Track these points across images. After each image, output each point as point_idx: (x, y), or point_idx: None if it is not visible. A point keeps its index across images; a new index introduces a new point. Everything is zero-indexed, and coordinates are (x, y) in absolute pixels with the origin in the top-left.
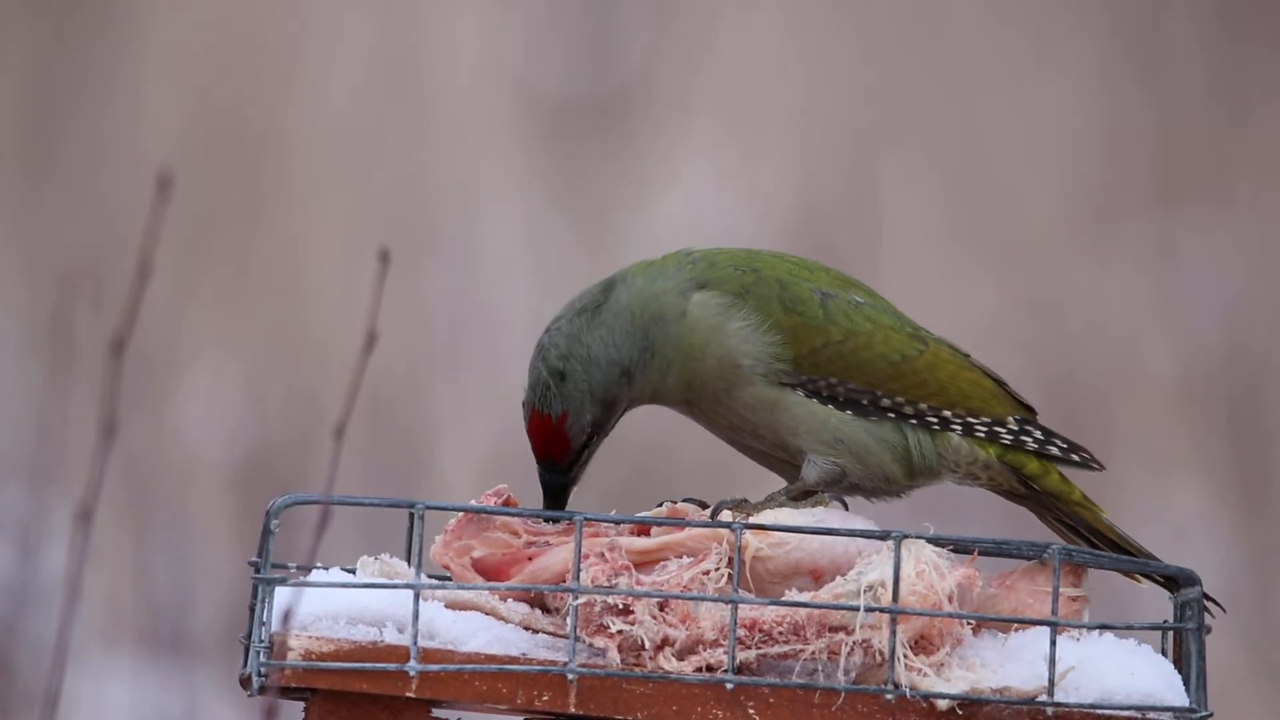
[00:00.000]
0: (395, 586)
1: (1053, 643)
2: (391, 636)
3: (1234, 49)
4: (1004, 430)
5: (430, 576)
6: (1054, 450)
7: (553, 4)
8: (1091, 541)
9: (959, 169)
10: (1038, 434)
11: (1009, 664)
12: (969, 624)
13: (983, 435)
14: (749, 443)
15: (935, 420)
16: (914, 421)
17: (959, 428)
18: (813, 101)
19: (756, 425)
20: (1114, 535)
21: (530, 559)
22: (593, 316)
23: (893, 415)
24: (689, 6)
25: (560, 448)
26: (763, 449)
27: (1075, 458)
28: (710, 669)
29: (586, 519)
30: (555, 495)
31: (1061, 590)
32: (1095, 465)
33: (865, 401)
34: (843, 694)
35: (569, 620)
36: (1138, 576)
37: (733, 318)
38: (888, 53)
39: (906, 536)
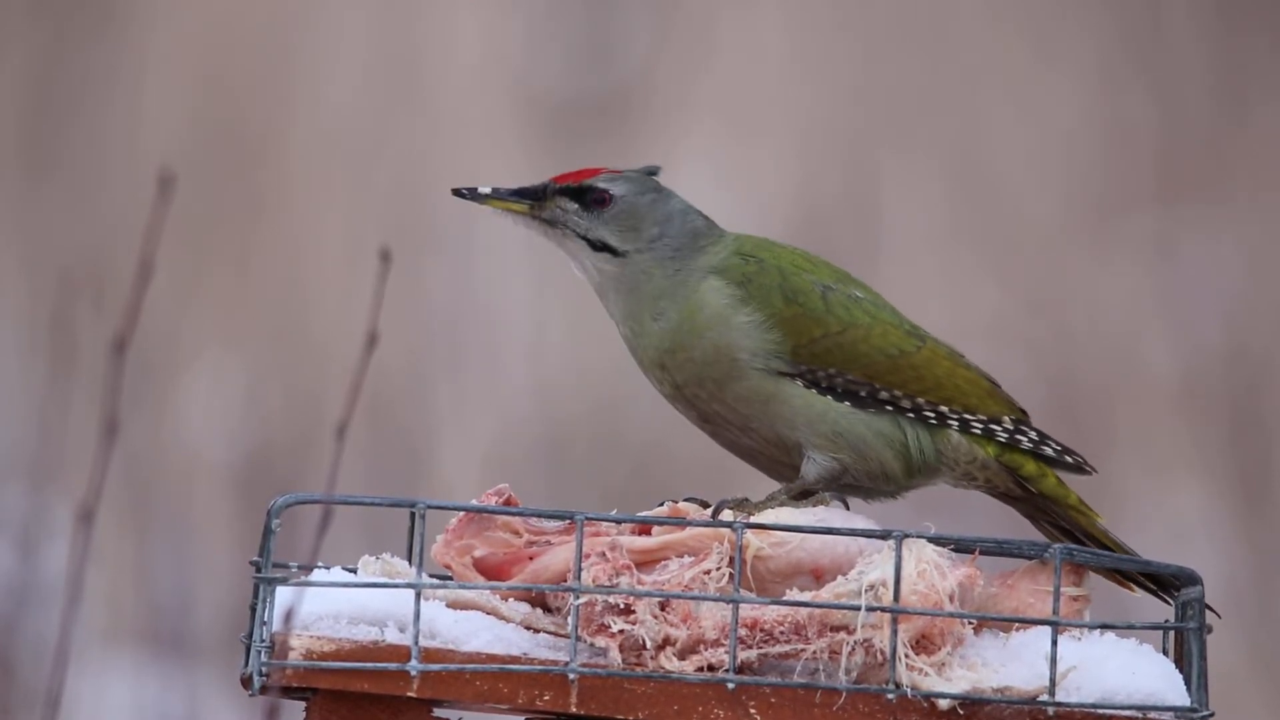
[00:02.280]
0: (397, 586)
1: (1054, 642)
2: (393, 636)
3: (1234, 49)
4: (1000, 429)
5: (431, 576)
6: (1048, 451)
7: (553, 4)
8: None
9: (959, 169)
10: (1032, 434)
11: (1010, 663)
12: (970, 623)
13: (979, 432)
14: (737, 437)
15: (933, 415)
16: (912, 415)
17: (956, 424)
18: (813, 101)
19: (749, 418)
20: (1109, 542)
21: (531, 558)
22: (664, 189)
23: (890, 408)
24: (689, 6)
25: (582, 175)
26: (752, 444)
27: (1068, 460)
28: (712, 668)
29: (588, 518)
30: (520, 192)
31: (1063, 590)
32: (1087, 469)
33: (863, 393)
34: (844, 693)
35: (570, 620)
36: (1132, 585)
37: (739, 311)
38: (888, 53)
39: (908, 536)
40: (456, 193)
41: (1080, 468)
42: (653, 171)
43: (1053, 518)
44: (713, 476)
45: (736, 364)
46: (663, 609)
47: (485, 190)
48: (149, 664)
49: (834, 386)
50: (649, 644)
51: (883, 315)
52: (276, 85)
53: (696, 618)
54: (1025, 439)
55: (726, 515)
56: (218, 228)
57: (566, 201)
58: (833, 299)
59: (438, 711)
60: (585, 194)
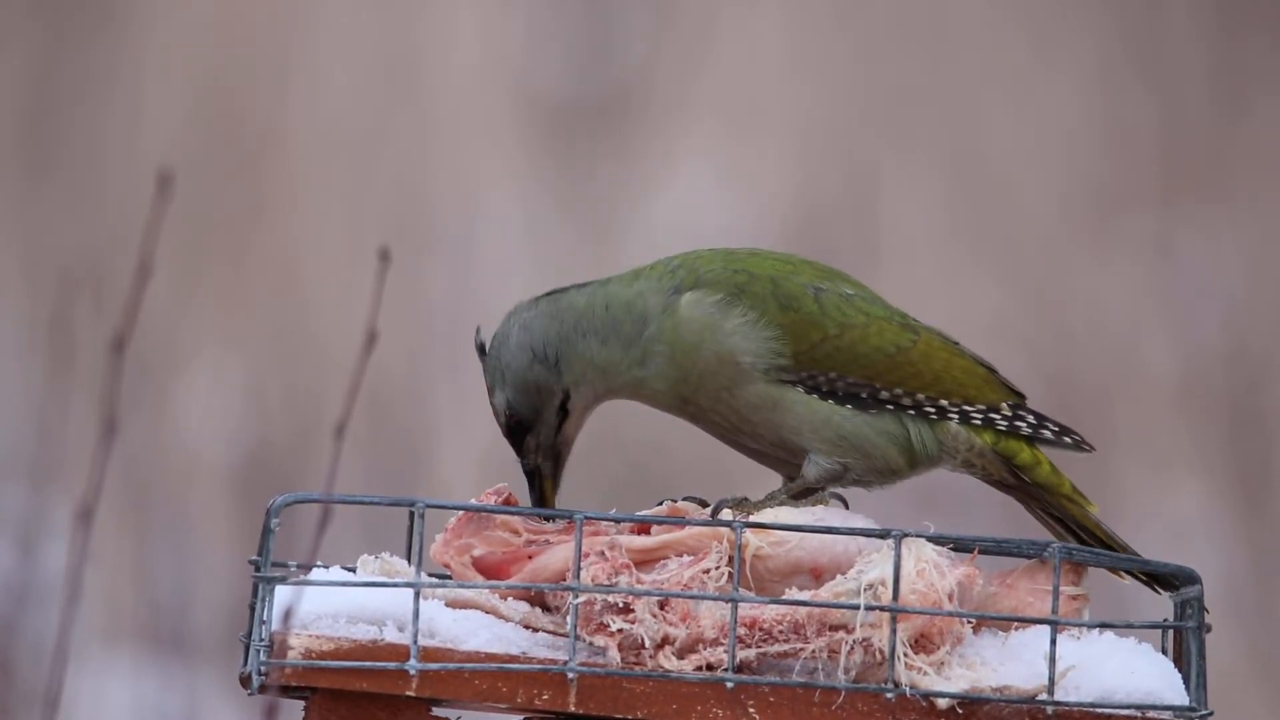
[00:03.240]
0: (395, 585)
1: (1053, 641)
2: (392, 635)
3: (1234, 48)
4: (998, 416)
5: (430, 575)
6: (1046, 434)
7: (553, 4)
8: (1079, 537)
9: (959, 169)
10: (1030, 419)
11: (1009, 663)
12: (969, 623)
13: (978, 422)
14: (747, 442)
15: (933, 410)
16: (913, 412)
17: (956, 415)
18: (813, 101)
19: (756, 425)
20: (1100, 533)
21: (530, 557)
22: (534, 302)
23: (892, 407)
24: (689, 6)
25: (500, 423)
26: (760, 448)
27: (1067, 440)
28: (710, 668)
29: (587, 517)
30: (529, 483)
31: (1062, 589)
32: (1086, 447)
33: (865, 395)
34: (843, 693)
35: (569, 619)
36: (1121, 573)
37: (729, 316)
38: (888, 52)
39: (907, 535)
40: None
41: (1079, 446)
42: (481, 346)
43: (1045, 505)
44: (712, 476)
45: (740, 368)
46: (662, 608)
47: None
48: (148, 663)
49: (835, 391)
50: (648, 643)
51: (876, 310)
52: (276, 85)
53: (695, 617)
54: (1024, 424)
55: (725, 514)
56: (217, 227)
57: (526, 448)
58: (826, 301)
59: (437, 710)
60: (515, 433)
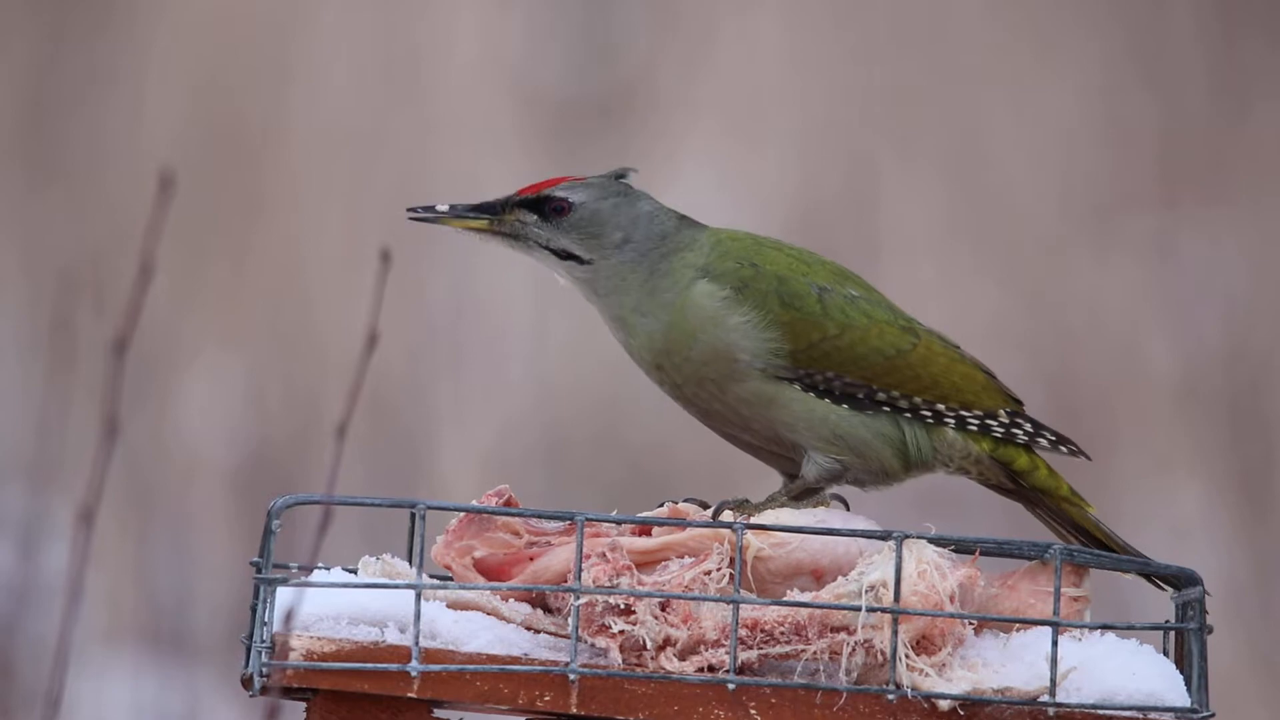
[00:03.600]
0: (397, 587)
1: (1054, 643)
2: (393, 637)
3: (1235, 49)
4: (995, 423)
5: (432, 577)
6: (1043, 442)
7: (553, 3)
8: (1079, 539)
9: (959, 169)
10: (1027, 426)
11: (1011, 664)
12: (971, 624)
13: (975, 429)
14: (737, 434)
15: (930, 414)
16: (909, 415)
17: (952, 421)
18: (813, 101)
19: (749, 419)
20: (1099, 534)
21: (532, 559)
22: (632, 191)
23: (888, 409)
24: (689, 6)
25: (538, 187)
26: (752, 441)
27: (1063, 449)
28: (712, 669)
29: (588, 519)
30: (478, 207)
31: (1063, 590)
32: (1083, 456)
33: (861, 395)
34: (844, 694)
35: (571, 620)
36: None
37: (733, 312)
38: (888, 52)
39: (908, 537)
40: (412, 213)
41: (1075, 454)
42: (622, 175)
43: (1045, 509)
44: (713, 477)
45: (737, 365)
46: (663, 609)
47: (443, 208)
48: (149, 664)
49: (832, 389)
50: (649, 644)
51: (878, 314)
52: (277, 85)
53: (697, 618)
54: (1021, 431)
55: (727, 516)
56: (217, 227)
57: (525, 213)
58: (829, 301)
59: (438, 712)
60: (543, 204)
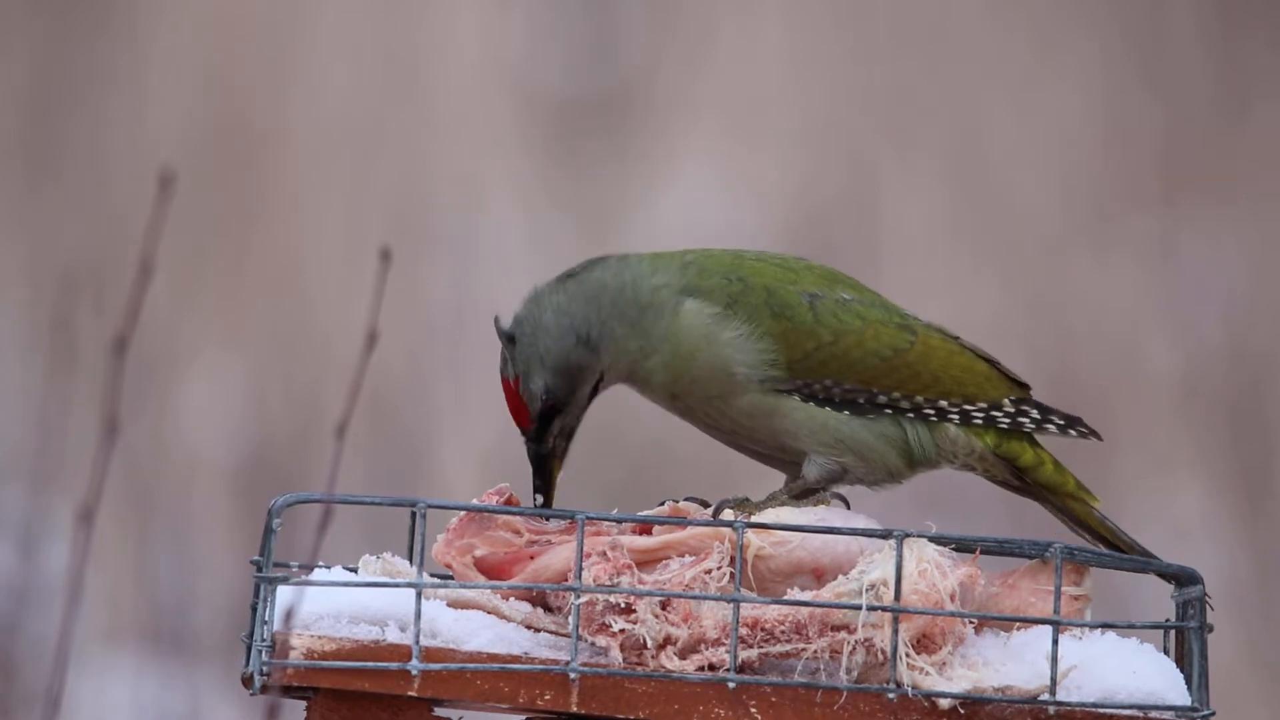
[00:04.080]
0: (397, 585)
1: (1055, 641)
2: (394, 635)
3: (1235, 48)
4: (1000, 414)
5: (432, 575)
6: (1051, 428)
7: (553, 3)
8: (1085, 534)
9: (959, 169)
10: (1034, 413)
11: (1011, 663)
12: (971, 623)
13: (980, 422)
14: (745, 444)
15: (932, 412)
16: (911, 415)
17: (956, 417)
18: (813, 101)
19: (754, 430)
20: (1104, 530)
21: (532, 558)
22: (558, 284)
23: (890, 411)
24: (689, 6)
25: (521, 413)
26: (761, 450)
27: (1073, 431)
28: (712, 668)
29: (588, 518)
30: (536, 467)
31: (1064, 589)
32: (1094, 436)
33: (862, 400)
34: (845, 693)
35: (571, 619)
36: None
37: (725, 328)
38: (888, 52)
39: (909, 535)
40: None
41: (1086, 436)
42: (510, 336)
43: (1051, 505)
44: (713, 476)
45: (734, 379)
46: (663, 608)
47: (539, 499)
48: (149, 663)
49: (832, 397)
50: (650, 643)
51: (873, 314)
52: (276, 84)
53: (697, 617)
54: (1028, 419)
55: (727, 515)
56: (218, 227)
57: (545, 427)
58: (821, 308)
59: (438, 711)
60: (547, 416)
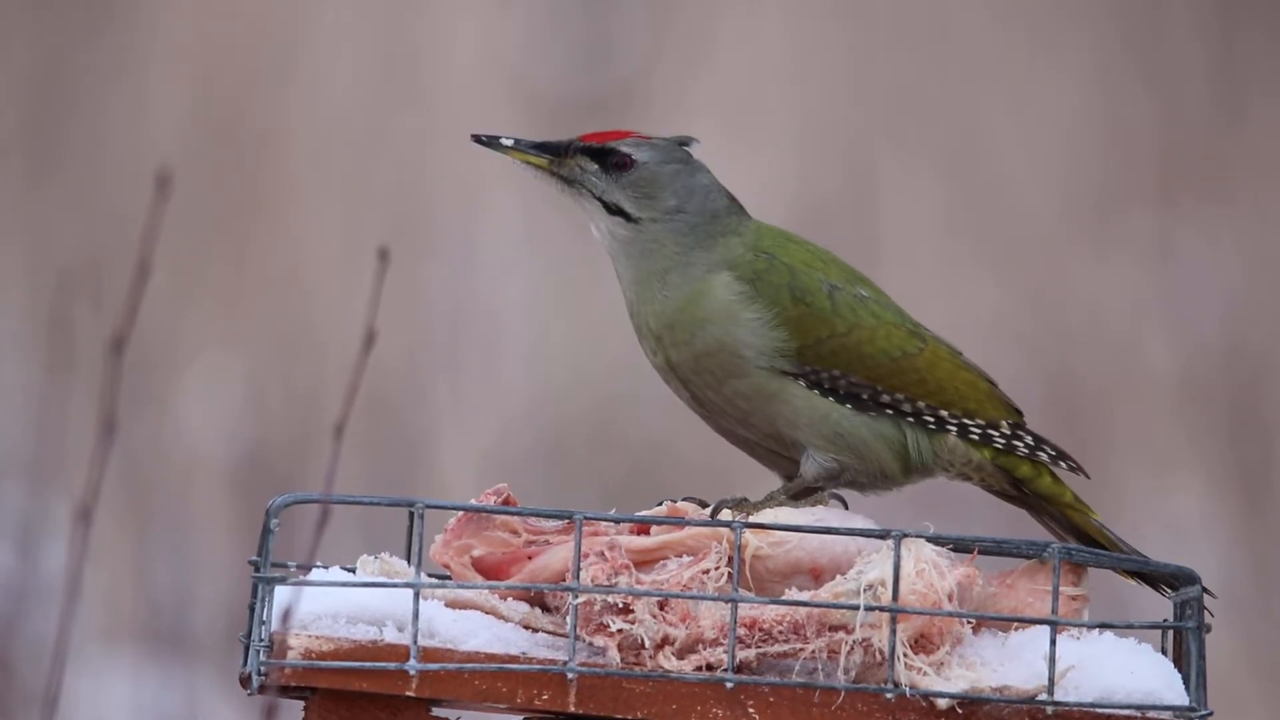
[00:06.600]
0: (395, 585)
1: (1053, 641)
2: (391, 635)
3: (1234, 48)
4: (997, 434)
5: (430, 575)
6: (1042, 457)
7: (552, 3)
8: (1083, 544)
9: (958, 167)
10: (1028, 439)
11: (1009, 663)
12: (969, 623)
13: (977, 437)
14: (733, 428)
15: (932, 420)
16: (911, 420)
17: (955, 428)
18: (812, 101)
19: (749, 414)
20: (1104, 539)
21: (530, 558)
22: (692, 162)
23: (891, 412)
24: (689, 6)
25: (612, 136)
26: (748, 435)
27: (1062, 465)
28: (710, 668)
29: (586, 518)
30: (549, 153)
31: (1061, 589)
32: (1081, 473)
33: (865, 396)
34: (843, 693)
35: (569, 619)
36: (1125, 573)
37: (747, 308)
38: (887, 52)
39: (906, 535)
40: (476, 138)
41: (1074, 471)
42: (685, 143)
43: (1048, 515)
44: (712, 476)
45: (740, 361)
46: (661, 608)
47: (508, 141)
48: (148, 663)
49: (836, 388)
50: (648, 643)
51: (887, 316)
52: (276, 84)
53: (695, 617)
54: (1021, 444)
55: (725, 515)
56: (216, 227)
57: (587, 161)
58: (839, 299)
59: (436, 710)
60: (607, 155)
